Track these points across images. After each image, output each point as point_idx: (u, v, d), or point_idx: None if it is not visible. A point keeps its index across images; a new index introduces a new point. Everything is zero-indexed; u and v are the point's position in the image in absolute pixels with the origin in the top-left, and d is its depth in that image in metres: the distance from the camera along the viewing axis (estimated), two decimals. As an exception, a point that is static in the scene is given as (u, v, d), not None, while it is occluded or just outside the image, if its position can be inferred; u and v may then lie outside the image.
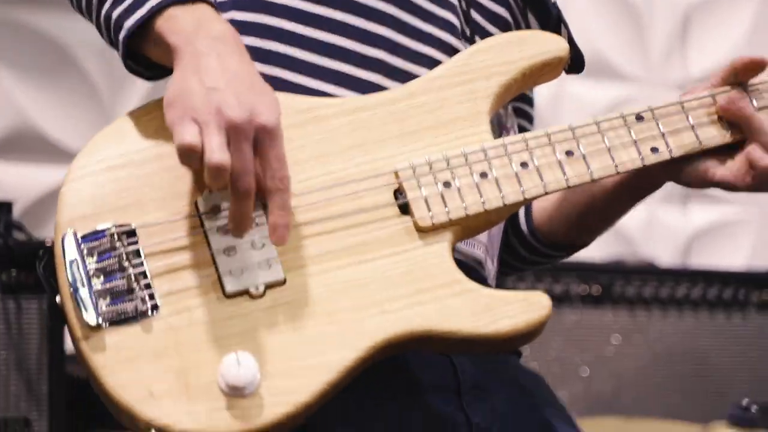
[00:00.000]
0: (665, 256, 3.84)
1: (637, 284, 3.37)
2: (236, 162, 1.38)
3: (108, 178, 1.48)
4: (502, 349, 1.51)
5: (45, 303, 2.48)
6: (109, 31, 1.51)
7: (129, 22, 1.48)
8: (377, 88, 1.60)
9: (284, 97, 1.51)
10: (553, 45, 1.60)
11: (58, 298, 1.45)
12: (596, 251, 3.70)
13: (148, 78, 1.58)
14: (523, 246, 1.85)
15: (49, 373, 2.46)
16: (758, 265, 3.65)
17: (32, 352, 2.46)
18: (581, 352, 3.25)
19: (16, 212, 2.62)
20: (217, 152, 1.37)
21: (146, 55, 1.52)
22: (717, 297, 3.41)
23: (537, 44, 1.60)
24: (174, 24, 1.46)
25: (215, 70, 1.42)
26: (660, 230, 3.83)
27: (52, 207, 3.30)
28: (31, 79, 3.30)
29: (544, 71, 1.61)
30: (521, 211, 1.83)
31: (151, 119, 1.51)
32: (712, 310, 3.42)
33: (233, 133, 1.38)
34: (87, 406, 2.67)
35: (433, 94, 1.57)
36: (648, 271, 3.43)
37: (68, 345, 2.50)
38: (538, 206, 1.82)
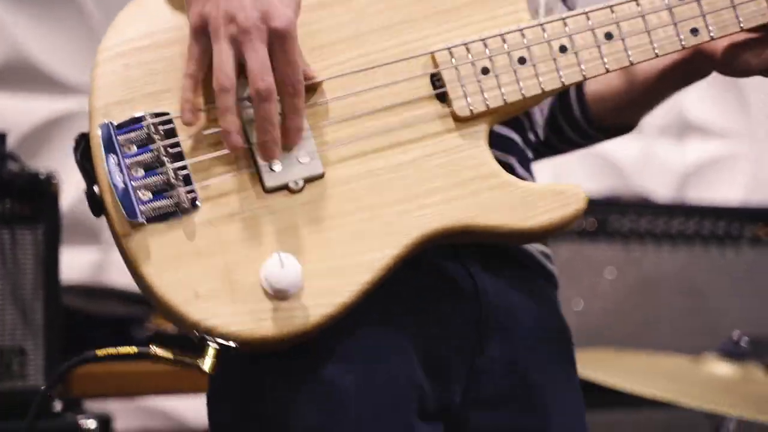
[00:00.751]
0: (660, 191, 3.84)
1: (632, 218, 3.38)
2: (253, 63, 1.36)
3: (138, 61, 1.44)
4: (535, 241, 1.52)
5: (40, 233, 2.48)
6: None
7: None
8: None
9: None
10: None
11: (96, 188, 1.41)
12: (592, 185, 3.70)
13: None
14: (572, 128, 1.82)
15: (44, 303, 2.47)
16: (752, 199, 3.66)
17: (27, 282, 2.47)
18: (576, 286, 3.26)
19: (10, 143, 2.61)
20: (220, 70, 1.36)
21: None
22: (711, 231, 3.42)
23: None
24: None
25: None
26: (655, 164, 3.83)
27: (45, 138, 3.31)
28: (24, 9, 3.28)
29: None
30: (572, 92, 1.79)
31: None
32: (706, 244, 3.43)
33: (244, 36, 1.36)
34: (81, 336, 2.69)
35: None
36: (643, 206, 3.44)
37: (64, 275, 2.52)
38: (590, 88, 1.78)
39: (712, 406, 2.42)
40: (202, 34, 1.40)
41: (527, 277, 1.61)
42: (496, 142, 1.52)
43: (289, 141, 1.41)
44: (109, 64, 1.43)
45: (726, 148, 3.82)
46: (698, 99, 3.62)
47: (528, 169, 1.66)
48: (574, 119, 1.81)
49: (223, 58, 1.37)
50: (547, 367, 1.60)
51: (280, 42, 1.37)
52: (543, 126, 1.74)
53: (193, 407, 3.30)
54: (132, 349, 1.39)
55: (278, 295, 1.38)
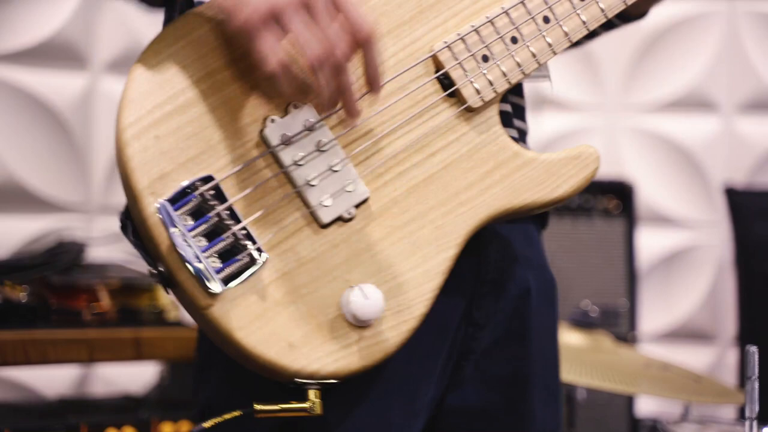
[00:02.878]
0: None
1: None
2: (325, 34, 1.36)
3: (167, 129, 1.41)
4: (561, 204, 1.59)
5: None
6: None
7: None
8: None
9: None
10: None
11: (161, 268, 1.39)
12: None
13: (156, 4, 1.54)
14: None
15: None
16: (604, 173, 3.74)
17: None
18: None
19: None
20: (311, 45, 1.35)
21: None
22: (564, 204, 3.48)
23: None
24: None
25: None
26: (511, 137, 3.88)
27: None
28: (12, 132, 3.21)
29: None
30: None
31: (177, 50, 1.43)
32: (560, 216, 3.49)
33: (313, 7, 1.36)
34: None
35: None
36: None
37: None
38: None
39: (562, 375, 2.47)
40: (269, 32, 1.36)
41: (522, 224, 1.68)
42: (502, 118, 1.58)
43: (376, 87, 1.42)
44: (138, 140, 1.40)
45: (580, 122, 3.89)
46: (553, 74, 3.67)
47: (524, 119, 1.72)
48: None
49: (308, 34, 1.36)
50: (537, 316, 1.67)
51: (342, 5, 1.38)
52: None
53: (44, 376, 3.25)
54: (236, 413, 1.42)
55: (364, 324, 1.43)
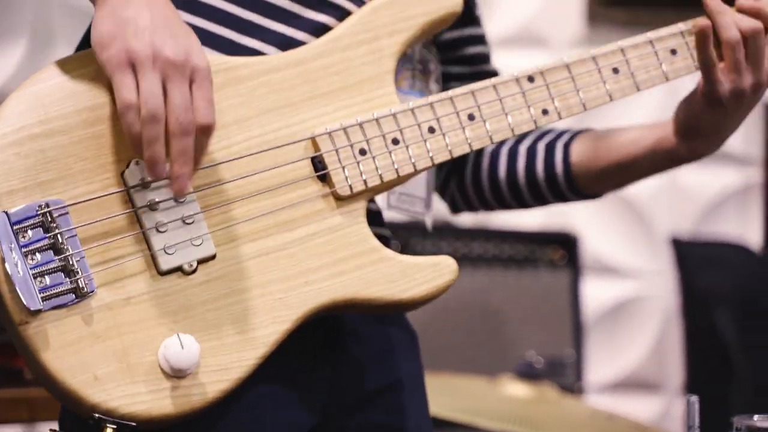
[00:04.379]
0: (463, 215, 3.90)
1: (434, 241, 3.43)
2: (176, 98, 1.39)
3: (31, 149, 1.44)
4: (413, 309, 1.58)
5: None
6: None
7: None
8: (288, 43, 1.61)
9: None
10: (450, 1, 1.65)
11: None
12: (394, 212, 3.73)
13: None
14: (550, 190, 1.86)
15: None
16: (550, 224, 3.75)
17: None
18: (379, 309, 3.28)
19: None
20: (152, 98, 1.38)
21: None
22: (510, 255, 3.49)
23: (436, 0, 1.65)
24: None
25: (145, 10, 1.42)
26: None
27: None
28: None
29: (440, 25, 1.66)
30: (559, 156, 1.85)
31: (68, 79, 1.47)
32: (505, 268, 3.50)
33: (172, 70, 1.40)
34: None
35: (339, 54, 1.60)
36: (444, 229, 3.49)
37: None
38: (576, 155, 1.85)
39: (507, 426, 2.47)
40: (128, 67, 1.40)
41: None
42: (371, 217, 1.61)
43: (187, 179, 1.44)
44: (1, 153, 1.43)
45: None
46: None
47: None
48: (557, 181, 1.86)
49: (154, 88, 1.39)
50: (400, 368, 1.69)
51: (200, 78, 1.42)
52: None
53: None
54: None
55: (177, 374, 1.43)
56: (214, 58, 1.53)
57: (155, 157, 1.41)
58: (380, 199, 1.72)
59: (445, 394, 2.67)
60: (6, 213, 1.40)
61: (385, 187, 1.60)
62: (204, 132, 1.42)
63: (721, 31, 1.69)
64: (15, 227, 1.40)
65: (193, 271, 1.48)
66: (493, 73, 1.85)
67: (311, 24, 1.61)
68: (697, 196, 3.86)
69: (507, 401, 2.68)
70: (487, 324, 3.42)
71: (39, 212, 1.41)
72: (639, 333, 3.85)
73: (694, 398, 1.60)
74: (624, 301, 3.85)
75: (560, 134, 1.87)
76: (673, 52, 1.75)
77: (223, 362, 1.46)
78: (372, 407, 1.66)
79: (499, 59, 1.87)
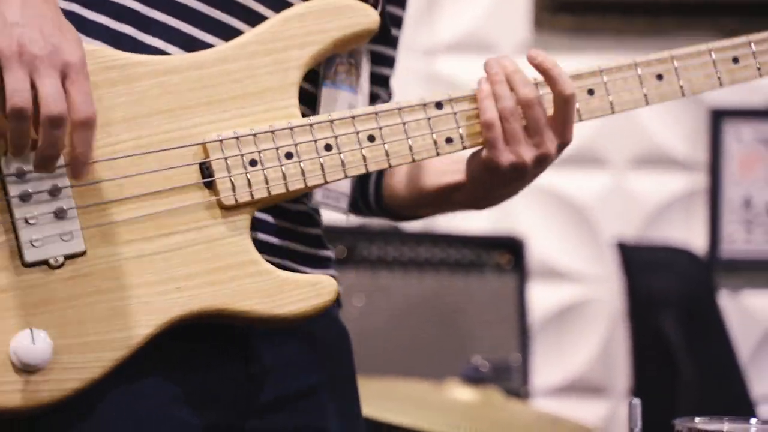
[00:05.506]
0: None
1: (380, 246, 3.42)
2: (44, 89, 1.36)
3: None
4: (288, 326, 1.56)
5: None
6: None
7: None
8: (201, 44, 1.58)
9: (95, 49, 1.48)
10: (366, 17, 1.61)
11: None
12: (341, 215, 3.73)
13: None
14: (364, 205, 1.85)
15: None
16: (495, 228, 3.76)
17: None
18: (326, 313, 3.27)
19: None
20: (17, 94, 1.35)
21: None
22: (457, 260, 3.50)
23: (351, 15, 1.61)
24: None
25: (16, 4, 1.38)
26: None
27: None
28: None
29: (353, 41, 1.63)
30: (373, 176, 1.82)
31: None
32: (452, 272, 3.50)
33: (38, 64, 1.36)
34: None
35: (243, 61, 1.56)
36: (391, 234, 3.48)
37: None
38: (389, 179, 1.82)
39: (453, 431, 2.47)
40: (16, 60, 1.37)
41: None
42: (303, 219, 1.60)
43: (78, 175, 1.42)
44: None
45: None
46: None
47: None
48: (367, 196, 1.84)
49: (20, 84, 1.36)
50: (322, 370, 1.67)
51: (74, 73, 1.38)
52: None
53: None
54: None
55: (27, 368, 1.40)
56: (110, 54, 1.50)
57: (19, 152, 1.40)
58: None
59: (390, 398, 2.67)
60: None
61: (274, 200, 1.56)
62: (84, 125, 1.39)
63: (489, 102, 1.61)
64: None
65: (59, 266, 1.44)
66: (386, 99, 1.81)
67: (219, 26, 1.58)
68: (643, 201, 3.89)
69: (453, 405, 2.68)
70: (433, 328, 3.42)
71: None
72: (585, 337, 3.87)
73: (636, 401, 1.61)
74: (570, 305, 3.86)
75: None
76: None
77: (78, 361, 1.43)
78: (288, 410, 1.64)
79: (446, 65, 1.86)
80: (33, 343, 1.40)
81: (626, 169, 3.90)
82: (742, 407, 3.50)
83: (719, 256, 3.86)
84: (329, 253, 1.74)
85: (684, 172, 3.90)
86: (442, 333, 3.43)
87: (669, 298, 3.68)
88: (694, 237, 3.87)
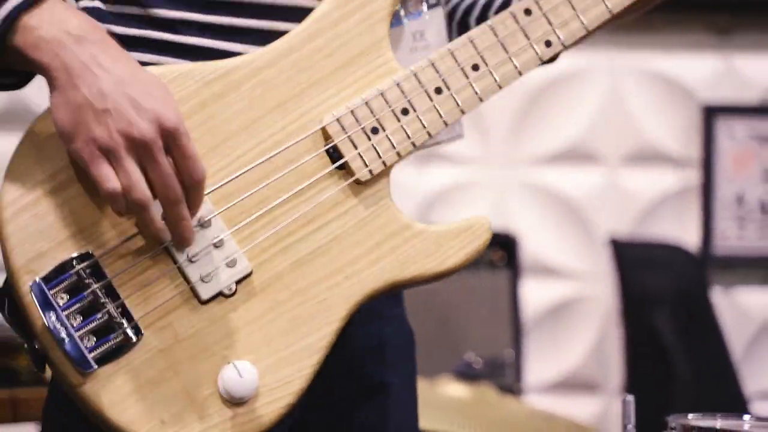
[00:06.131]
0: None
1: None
2: (158, 178, 1.36)
3: (48, 206, 1.40)
4: (455, 272, 1.57)
5: None
6: None
7: None
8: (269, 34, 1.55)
9: (188, 69, 1.48)
10: None
11: (36, 345, 1.39)
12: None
13: (11, 87, 1.48)
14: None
15: None
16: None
17: None
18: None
19: None
20: (136, 189, 1.35)
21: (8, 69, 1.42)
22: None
23: None
24: (30, 36, 1.36)
25: (97, 85, 1.35)
26: (397, 191, 3.89)
27: None
28: None
29: None
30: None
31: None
32: (446, 268, 3.50)
33: (145, 150, 1.35)
34: None
35: (329, 31, 1.54)
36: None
37: None
38: None
39: (446, 427, 2.47)
40: (100, 158, 1.35)
41: None
42: None
43: (183, 240, 1.42)
44: (17, 219, 1.40)
45: (465, 175, 3.92)
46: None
47: None
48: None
49: (133, 177, 1.35)
50: (392, 369, 1.68)
51: (176, 138, 1.36)
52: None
53: None
54: None
55: (241, 401, 1.43)
56: (207, 68, 1.49)
57: (156, 231, 1.40)
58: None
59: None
60: (39, 280, 1.38)
61: (403, 159, 1.56)
62: (195, 187, 1.39)
63: None
64: (51, 291, 1.38)
65: (233, 293, 1.45)
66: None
67: (291, 12, 1.56)
68: (636, 198, 3.90)
69: (446, 402, 2.68)
70: (426, 325, 3.42)
71: (71, 271, 1.39)
72: (578, 333, 3.87)
73: (630, 398, 1.61)
74: (563, 301, 3.87)
75: None
76: None
77: (281, 377, 1.45)
78: (358, 405, 1.64)
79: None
80: (240, 376, 1.42)
81: (619, 166, 3.91)
82: (734, 403, 3.51)
83: (712, 253, 3.87)
84: None
85: (677, 169, 3.91)
86: (436, 330, 3.43)
87: (662, 295, 3.69)
88: (687, 234, 3.88)
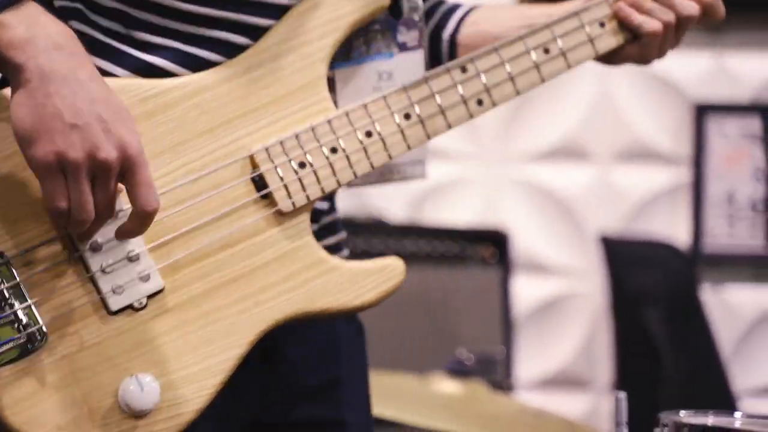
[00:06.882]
0: (396, 212, 3.91)
1: (366, 238, 3.42)
2: (101, 201, 1.36)
3: None
4: (365, 310, 1.60)
5: None
6: None
7: None
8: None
9: (125, 83, 1.48)
10: None
11: None
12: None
13: None
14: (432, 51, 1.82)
15: None
16: (480, 221, 3.77)
17: None
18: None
19: None
20: (83, 210, 1.35)
21: None
22: (442, 253, 3.50)
23: None
24: (5, 34, 1.34)
25: (72, 99, 1.34)
26: (388, 188, 3.88)
27: None
28: None
29: (368, 20, 1.63)
30: (451, 23, 1.80)
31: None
32: (438, 265, 3.51)
33: (103, 173, 1.35)
34: None
35: (269, 64, 1.56)
36: (377, 226, 3.48)
37: None
38: (467, 32, 1.80)
39: (437, 424, 2.47)
40: (58, 173, 1.34)
41: None
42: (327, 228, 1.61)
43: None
44: None
45: (457, 172, 3.92)
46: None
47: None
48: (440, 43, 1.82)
49: (84, 199, 1.35)
50: (342, 363, 1.71)
51: (136, 166, 1.37)
52: None
53: None
54: None
55: (140, 414, 1.43)
56: (142, 85, 1.50)
57: (85, 236, 1.42)
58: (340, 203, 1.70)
59: (375, 391, 2.67)
60: None
61: (326, 195, 1.59)
62: (150, 216, 1.40)
63: None
64: None
65: (143, 307, 1.46)
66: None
67: (222, 44, 1.56)
68: (627, 196, 3.90)
69: (437, 398, 2.68)
70: (418, 321, 3.42)
71: None
72: (569, 330, 3.88)
73: (622, 395, 1.62)
74: (554, 298, 3.88)
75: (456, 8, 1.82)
76: (602, 24, 1.75)
77: (182, 395, 1.46)
78: (312, 402, 1.66)
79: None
80: (141, 389, 1.42)
81: (610, 164, 3.91)
82: (724, 401, 3.52)
83: (702, 251, 3.88)
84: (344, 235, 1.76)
85: (668, 166, 3.91)
86: (427, 326, 3.43)
87: (652, 292, 3.69)
88: (677, 231, 3.89)
